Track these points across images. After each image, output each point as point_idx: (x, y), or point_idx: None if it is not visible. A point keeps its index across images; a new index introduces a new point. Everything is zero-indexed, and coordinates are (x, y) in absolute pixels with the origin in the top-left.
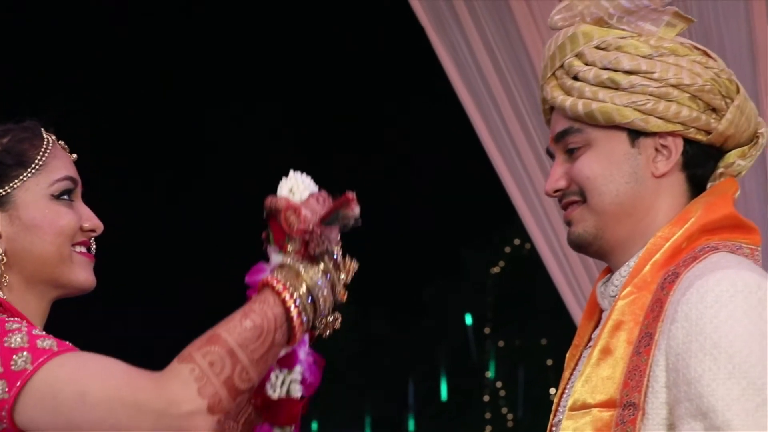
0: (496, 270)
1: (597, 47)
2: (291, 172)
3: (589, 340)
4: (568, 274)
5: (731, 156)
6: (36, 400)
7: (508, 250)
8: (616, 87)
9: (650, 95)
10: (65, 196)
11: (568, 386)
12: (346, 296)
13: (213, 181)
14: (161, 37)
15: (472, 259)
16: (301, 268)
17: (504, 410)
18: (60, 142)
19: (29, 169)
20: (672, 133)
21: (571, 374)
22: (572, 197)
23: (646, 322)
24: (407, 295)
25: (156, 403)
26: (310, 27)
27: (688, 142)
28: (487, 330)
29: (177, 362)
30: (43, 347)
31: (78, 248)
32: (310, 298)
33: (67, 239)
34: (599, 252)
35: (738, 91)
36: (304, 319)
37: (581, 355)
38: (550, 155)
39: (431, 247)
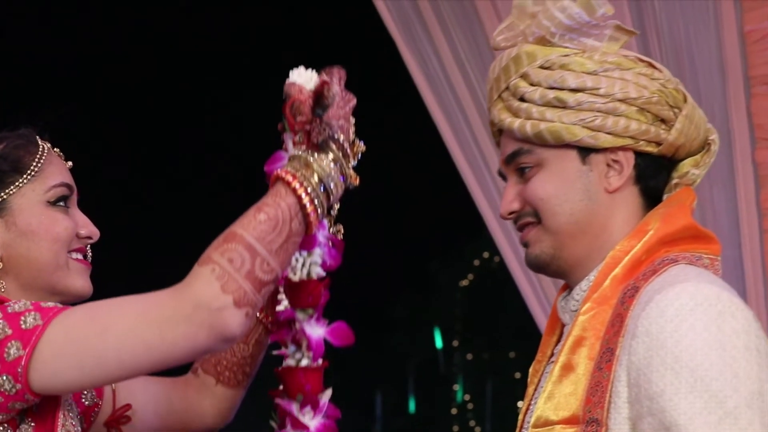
0: (464, 283)
1: (541, 67)
2: (296, 69)
3: (552, 355)
4: (536, 288)
5: (685, 165)
6: (55, 351)
7: (476, 263)
8: (563, 106)
9: (598, 111)
10: (61, 203)
11: (532, 402)
12: (357, 179)
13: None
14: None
15: (441, 272)
16: (311, 158)
17: (472, 423)
18: (55, 149)
19: (25, 176)
20: (622, 148)
21: (535, 390)
22: (527, 218)
23: (607, 338)
24: (376, 308)
25: (182, 309)
26: (271, 32)
27: (639, 154)
28: (455, 343)
29: (197, 266)
30: (48, 306)
31: (74, 255)
32: (322, 186)
33: (63, 246)
34: (558, 271)
35: (685, 100)
36: (318, 207)
37: (544, 370)
38: (502, 177)
39: (400, 260)
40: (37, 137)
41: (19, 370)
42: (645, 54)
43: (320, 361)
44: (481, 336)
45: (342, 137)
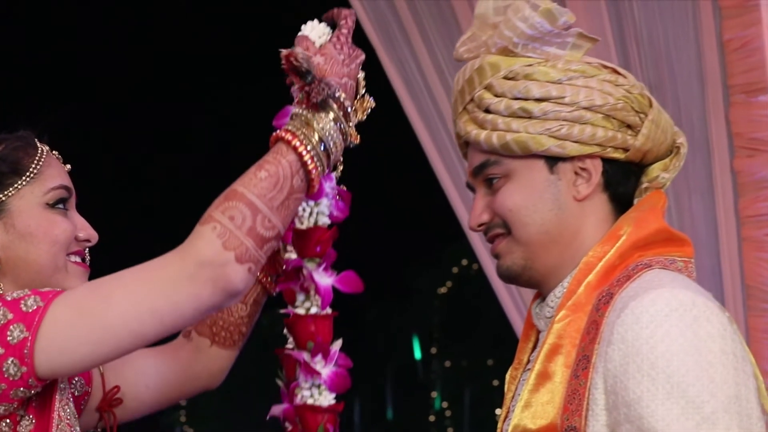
0: (443, 290)
1: (505, 77)
2: (311, 22)
3: (528, 362)
4: (515, 296)
5: (654, 169)
6: (60, 328)
7: (455, 270)
8: (528, 116)
9: (564, 120)
10: (60, 205)
11: (510, 410)
12: (358, 138)
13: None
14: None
15: (419, 279)
16: (311, 117)
17: (450, 430)
18: (54, 152)
19: (24, 177)
20: (590, 155)
21: (513, 398)
22: (497, 230)
23: (583, 345)
24: (353, 315)
25: (185, 268)
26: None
27: (607, 161)
28: (433, 350)
29: (198, 225)
30: (47, 290)
31: (73, 258)
32: (322, 145)
33: (62, 248)
34: (530, 282)
35: (651, 105)
36: (318, 165)
37: (521, 377)
38: (471, 189)
39: (378, 266)
40: (36, 140)
41: (26, 351)
42: (624, 62)
43: (329, 309)
44: (460, 343)
45: (343, 96)
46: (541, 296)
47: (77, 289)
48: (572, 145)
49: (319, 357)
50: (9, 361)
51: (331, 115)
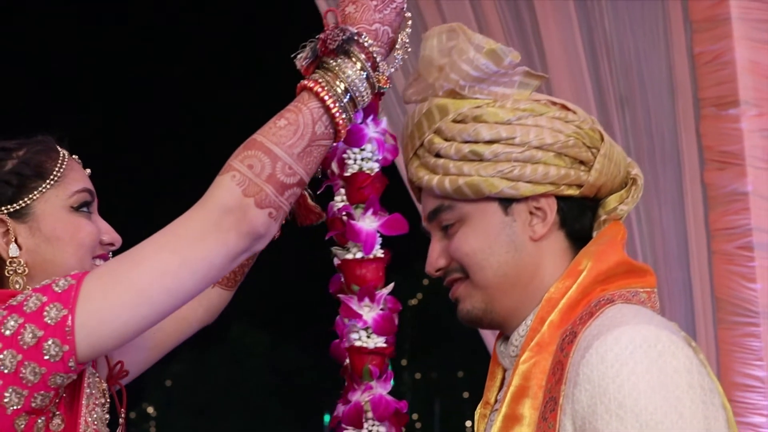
0: (413, 302)
1: (454, 121)
2: None
3: (496, 401)
4: None
5: (611, 201)
6: (97, 300)
7: (425, 282)
8: (479, 159)
9: (515, 161)
10: (84, 209)
11: None
12: (388, 83)
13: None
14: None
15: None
16: (334, 63)
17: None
18: (74, 156)
19: (48, 181)
20: (544, 194)
21: None
22: (454, 275)
23: (549, 386)
24: (323, 325)
25: (209, 218)
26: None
27: (562, 199)
28: (404, 362)
29: (219, 176)
30: (74, 273)
31: (97, 261)
32: (348, 96)
33: (88, 251)
34: (492, 324)
35: (602, 139)
36: (343, 111)
37: (489, 417)
38: (426, 233)
39: None
40: (56, 144)
41: (66, 328)
42: (595, 74)
43: (377, 253)
44: (430, 355)
45: (369, 41)
46: (504, 335)
47: (107, 263)
48: (525, 185)
49: (366, 300)
50: (49, 342)
51: (359, 64)
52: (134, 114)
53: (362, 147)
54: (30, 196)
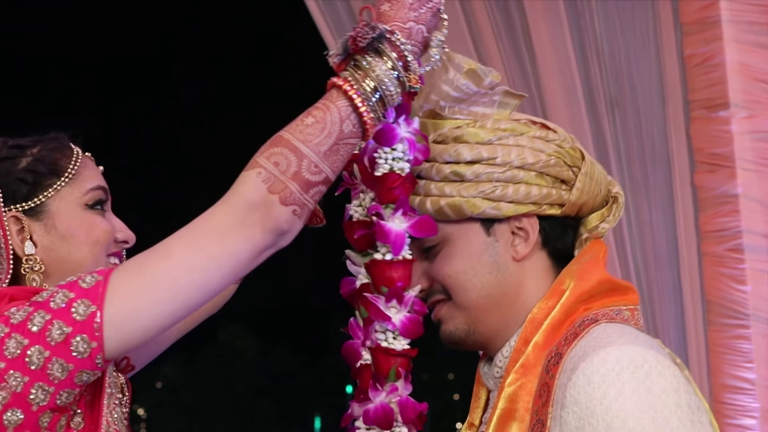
0: None
1: (434, 141)
2: None
3: (481, 423)
4: None
5: (593, 219)
6: (125, 296)
7: None
8: (461, 179)
9: (497, 181)
10: (98, 206)
11: None
12: (419, 82)
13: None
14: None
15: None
16: (364, 62)
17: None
18: (87, 153)
19: (63, 178)
20: (526, 214)
21: None
22: (437, 296)
23: (536, 409)
24: (312, 327)
25: (235, 213)
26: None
27: (543, 218)
28: None
29: (244, 171)
30: (100, 269)
31: (112, 260)
32: (378, 94)
33: (103, 249)
34: (475, 345)
35: (583, 158)
36: (371, 110)
37: None
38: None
39: (336, 278)
40: (69, 141)
41: (95, 325)
42: (585, 76)
43: (405, 254)
44: (420, 357)
45: (402, 39)
46: (488, 356)
47: (133, 258)
48: (507, 205)
49: (393, 302)
50: (78, 339)
51: (389, 63)
52: (134, 114)
53: (393, 147)
54: (45, 193)
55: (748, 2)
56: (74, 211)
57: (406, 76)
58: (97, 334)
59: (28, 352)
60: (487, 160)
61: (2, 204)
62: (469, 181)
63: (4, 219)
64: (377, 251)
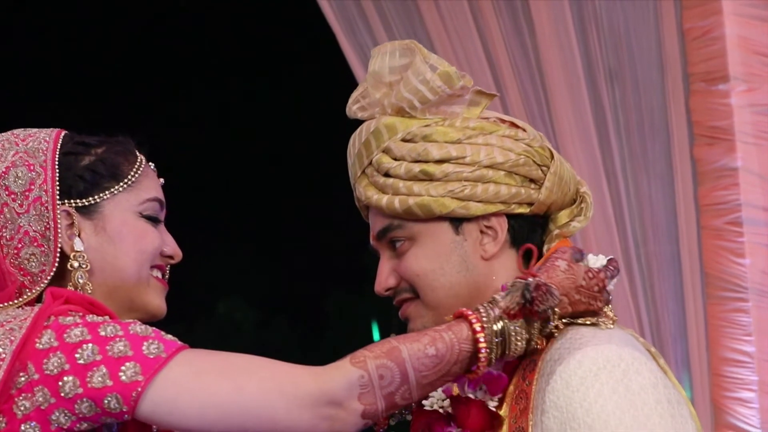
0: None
1: (403, 140)
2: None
3: None
4: None
5: (562, 217)
6: (180, 391)
7: None
8: (429, 178)
9: (466, 181)
10: (153, 218)
11: None
12: (541, 344)
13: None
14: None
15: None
16: (516, 325)
17: (409, 418)
18: (150, 164)
19: (121, 183)
20: (495, 213)
21: None
22: (404, 294)
23: (514, 416)
24: (311, 302)
25: (317, 397)
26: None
27: (512, 217)
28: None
29: (350, 363)
30: (169, 339)
31: (155, 272)
32: (501, 339)
33: (148, 259)
34: None
35: (552, 157)
36: (491, 357)
37: None
38: (375, 252)
39: (335, 253)
40: (135, 148)
41: (134, 395)
42: (585, 48)
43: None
44: None
45: (551, 306)
46: None
47: (206, 358)
48: (476, 205)
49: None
50: (112, 396)
51: (536, 326)
52: (134, 112)
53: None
54: (101, 194)
55: None
56: (127, 217)
57: (533, 334)
58: (131, 402)
59: (65, 378)
60: (456, 159)
61: (58, 197)
62: (438, 180)
63: (57, 212)
64: None
